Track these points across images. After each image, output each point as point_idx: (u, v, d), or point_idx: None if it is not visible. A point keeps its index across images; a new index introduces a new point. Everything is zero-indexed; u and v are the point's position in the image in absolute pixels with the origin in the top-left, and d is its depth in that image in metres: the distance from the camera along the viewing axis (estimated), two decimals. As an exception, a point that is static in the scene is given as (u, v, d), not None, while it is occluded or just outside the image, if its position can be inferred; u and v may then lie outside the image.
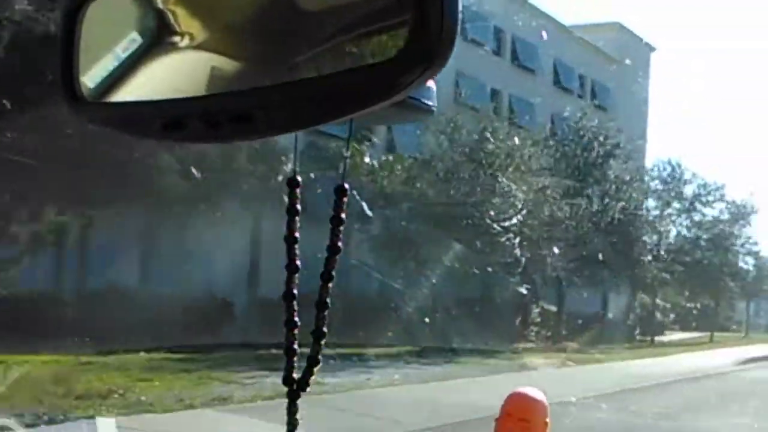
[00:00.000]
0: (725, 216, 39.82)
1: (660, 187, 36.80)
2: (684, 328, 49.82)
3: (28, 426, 8.74)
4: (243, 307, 24.03)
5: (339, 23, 0.96)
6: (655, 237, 33.63)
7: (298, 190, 1.14)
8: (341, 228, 1.11)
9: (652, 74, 51.29)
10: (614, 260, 31.22)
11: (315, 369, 1.13)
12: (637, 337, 41.49)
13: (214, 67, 1.04)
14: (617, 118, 38.75)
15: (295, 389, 1.14)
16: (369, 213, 23.29)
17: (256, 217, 24.43)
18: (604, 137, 31.80)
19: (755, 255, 42.24)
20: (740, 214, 40.11)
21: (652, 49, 50.91)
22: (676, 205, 37.71)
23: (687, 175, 37.52)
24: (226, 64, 1.03)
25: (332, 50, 0.96)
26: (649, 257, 33.66)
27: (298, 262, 1.15)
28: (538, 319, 33.32)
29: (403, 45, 0.88)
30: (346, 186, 1.11)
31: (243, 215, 24.11)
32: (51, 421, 9.80)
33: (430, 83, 0.97)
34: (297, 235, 1.15)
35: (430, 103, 1.03)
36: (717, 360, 26.68)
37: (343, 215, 1.11)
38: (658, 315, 47.79)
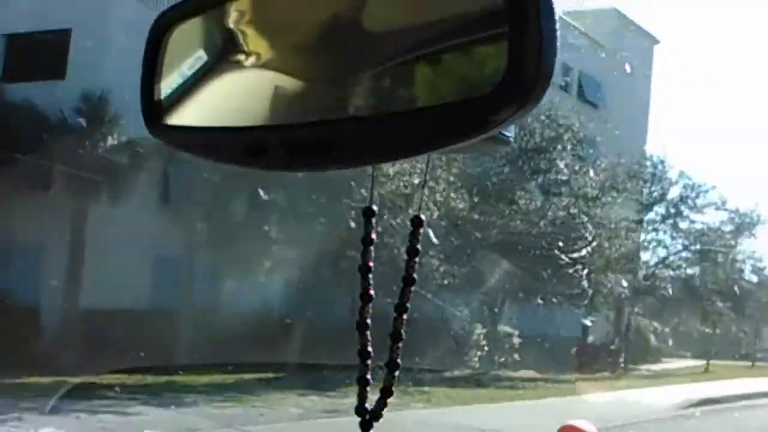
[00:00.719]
0: (728, 227, 34.13)
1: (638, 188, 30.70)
2: (698, 355, 44.16)
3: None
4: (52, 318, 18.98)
5: (429, 54, 0.93)
6: (617, 244, 27.53)
7: (373, 220, 1.13)
8: (416, 259, 1.10)
9: (654, 69, 45.81)
10: (555, 272, 25.63)
11: (388, 399, 1.12)
12: (621, 365, 35.90)
13: (296, 92, 1.02)
14: (611, 117, 33.63)
15: (368, 419, 1.13)
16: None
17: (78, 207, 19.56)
18: (548, 117, 25.61)
19: (760, 272, 36.23)
20: (744, 225, 34.37)
21: (655, 41, 45.45)
22: (659, 209, 31.85)
23: (672, 175, 31.59)
24: (309, 88, 1.02)
25: (422, 82, 0.93)
26: (609, 270, 27.75)
27: (371, 292, 1.14)
28: (483, 342, 27.98)
29: (499, 81, 0.85)
30: (423, 217, 1.10)
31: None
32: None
33: None
34: (371, 264, 1.14)
35: (507, 134, 1.00)
36: (668, 399, 21.30)
37: (418, 246, 1.10)
38: (653, 339, 42.30)
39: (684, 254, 32.58)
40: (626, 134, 32.73)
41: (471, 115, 0.87)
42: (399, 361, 1.12)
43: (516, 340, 29.63)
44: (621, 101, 37.92)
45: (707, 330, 43.90)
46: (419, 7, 0.95)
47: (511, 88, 0.84)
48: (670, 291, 31.30)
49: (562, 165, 25.58)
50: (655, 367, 38.10)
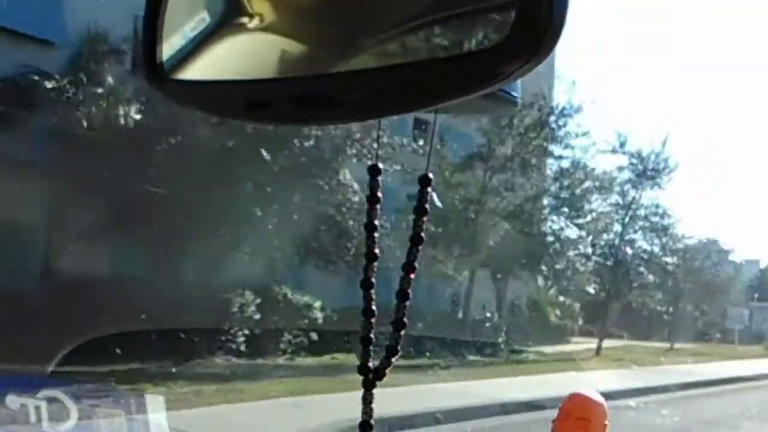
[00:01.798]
0: (626, 175, 26.69)
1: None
2: (646, 337, 36.79)
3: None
4: None
5: (434, 5, 0.91)
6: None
7: (379, 178, 1.12)
8: (424, 218, 1.09)
9: None
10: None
11: (393, 359, 1.12)
12: (501, 347, 28.50)
13: (300, 49, 1.01)
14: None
15: (371, 378, 1.13)
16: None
17: None
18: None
19: (663, 231, 28.50)
20: (647, 172, 26.93)
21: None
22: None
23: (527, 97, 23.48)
24: (313, 45, 1.00)
25: (427, 34, 0.92)
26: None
27: (377, 250, 1.13)
28: (257, 316, 20.41)
29: (507, 32, 0.83)
30: (431, 176, 1.09)
31: None
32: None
33: None
34: (376, 222, 1.13)
35: (514, 93, 0.98)
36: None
37: (427, 206, 1.09)
38: (554, 316, 34.83)
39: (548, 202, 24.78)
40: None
41: (478, 67, 0.83)
42: (405, 320, 1.11)
43: (318, 314, 22.17)
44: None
45: (659, 308, 36.70)
46: None
47: (519, 41, 0.81)
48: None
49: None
50: (549, 349, 30.70)
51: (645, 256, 27.66)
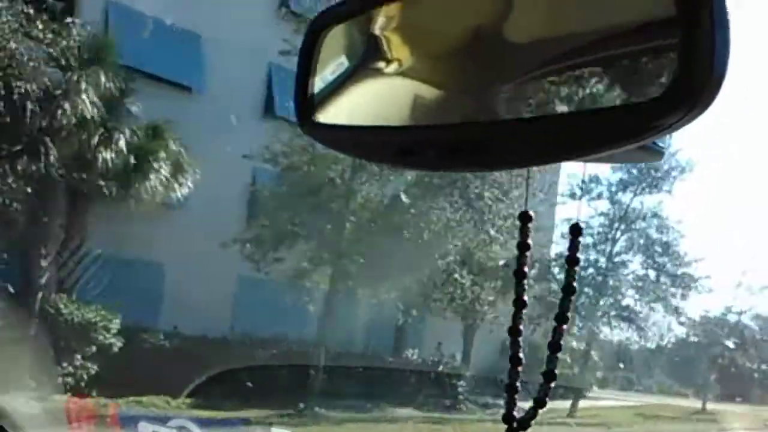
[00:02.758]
0: (618, 176, 19.43)
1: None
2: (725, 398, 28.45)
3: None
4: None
5: (588, 56, 0.89)
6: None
7: (530, 225, 1.11)
8: (576, 268, 1.09)
9: None
10: None
11: (540, 410, 1.11)
12: (465, 405, 21.40)
13: (448, 96, 1.01)
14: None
15: (515, 427, 1.11)
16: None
17: None
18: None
19: (665, 250, 20.39)
20: (651, 176, 19.49)
21: None
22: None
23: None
24: (461, 93, 1.01)
25: (579, 82, 0.89)
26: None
27: (525, 298, 1.13)
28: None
29: (666, 83, 0.80)
30: (581, 225, 1.10)
31: None
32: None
33: None
34: (526, 270, 1.12)
35: (661, 144, 0.97)
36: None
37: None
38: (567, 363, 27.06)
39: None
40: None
41: (634, 120, 0.81)
42: (556, 371, 1.10)
43: (112, 339, 15.42)
44: None
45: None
46: (582, 14, 0.88)
47: (677, 93, 0.78)
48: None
49: None
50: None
51: (639, 284, 19.82)
